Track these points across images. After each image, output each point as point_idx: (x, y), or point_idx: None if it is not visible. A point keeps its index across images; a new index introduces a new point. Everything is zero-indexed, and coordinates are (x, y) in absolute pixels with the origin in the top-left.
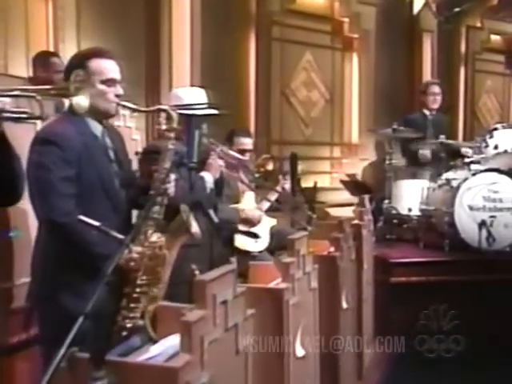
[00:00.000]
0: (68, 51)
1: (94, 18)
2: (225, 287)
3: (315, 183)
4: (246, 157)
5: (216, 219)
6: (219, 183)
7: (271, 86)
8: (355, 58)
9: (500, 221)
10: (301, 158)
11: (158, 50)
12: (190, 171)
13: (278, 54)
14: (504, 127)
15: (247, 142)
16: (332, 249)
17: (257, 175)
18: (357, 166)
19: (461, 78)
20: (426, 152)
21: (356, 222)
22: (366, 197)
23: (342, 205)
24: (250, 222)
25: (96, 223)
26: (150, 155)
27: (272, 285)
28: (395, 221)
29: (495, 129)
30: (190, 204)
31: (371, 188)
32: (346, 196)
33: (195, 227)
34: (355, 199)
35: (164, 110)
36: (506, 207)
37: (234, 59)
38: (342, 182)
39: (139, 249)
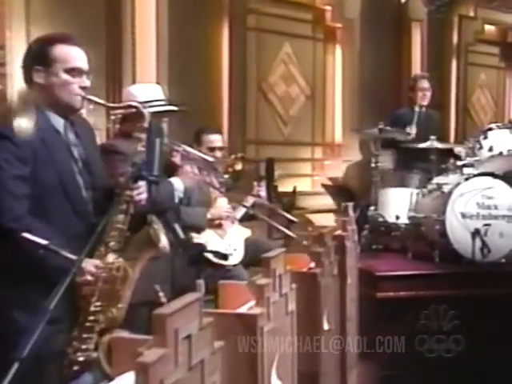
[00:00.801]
0: (16, 41)
1: (45, 3)
2: (189, 320)
3: (294, 188)
4: (218, 154)
5: (182, 235)
6: (189, 190)
7: (246, 81)
8: (338, 49)
9: (495, 229)
10: (279, 159)
11: (119, 39)
12: (150, 185)
13: (254, 45)
14: (499, 127)
15: (216, 139)
16: (312, 264)
17: (225, 176)
18: (340, 168)
19: (452, 71)
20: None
21: (339, 232)
22: (350, 205)
23: (324, 211)
24: (218, 223)
25: (43, 241)
26: (108, 155)
27: (244, 309)
28: (382, 229)
29: (490, 129)
30: (153, 214)
31: (355, 193)
32: (328, 201)
33: (163, 241)
34: (338, 205)
35: (135, 107)
36: (502, 214)
37: (205, 51)
38: (324, 186)
39: (93, 269)
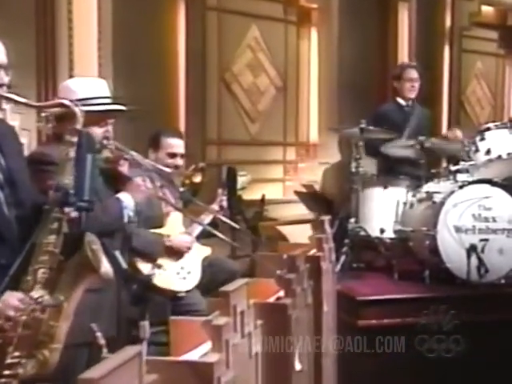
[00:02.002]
0: None
1: None
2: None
3: (263, 196)
4: (179, 161)
5: (124, 264)
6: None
7: (206, 70)
8: (314, 34)
9: (493, 245)
10: (245, 162)
11: (52, 25)
12: (79, 213)
13: (215, 28)
14: (498, 127)
15: (178, 144)
16: (282, 292)
17: (181, 189)
18: (316, 172)
19: (445, 59)
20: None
21: (313, 252)
22: (326, 219)
23: (298, 222)
24: (177, 253)
25: None
26: (37, 165)
27: (199, 353)
28: (364, 245)
29: (487, 129)
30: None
31: (333, 202)
32: (303, 210)
33: (106, 265)
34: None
35: (66, 106)
36: (501, 228)
37: (156, 36)
38: (297, 193)
39: (11, 313)
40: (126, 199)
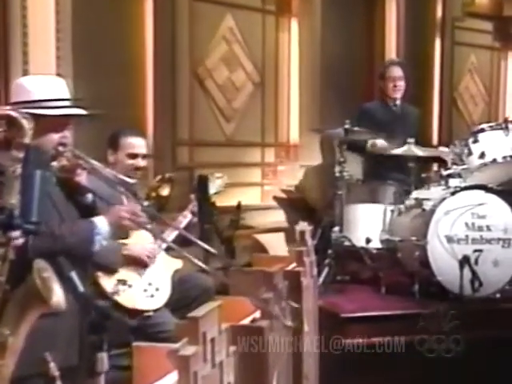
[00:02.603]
0: None
1: None
2: None
3: (239, 203)
4: (140, 163)
5: (81, 288)
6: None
7: (177, 65)
8: (294, 25)
9: (488, 256)
10: (220, 164)
11: (4, 13)
12: (26, 237)
13: (186, 18)
14: (492, 128)
15: (138, 143)
16: (258, 313)
17: (146, 203)
18: (297, 175)
19: (436, 52)
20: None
21: (293, 267)
22: (307, 230)
23: (277, 229)
24: (139, 263)
25: None
26: None
27: None
28: (348, 256)
29: (481, 130)
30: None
31: (316, 208)
32: (283, 217)
33: (58, 294)
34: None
35: (12, 117)
36: (496, 238)
37: (121, 27)
38: (276, 199)
39: None
40: (102, 225)
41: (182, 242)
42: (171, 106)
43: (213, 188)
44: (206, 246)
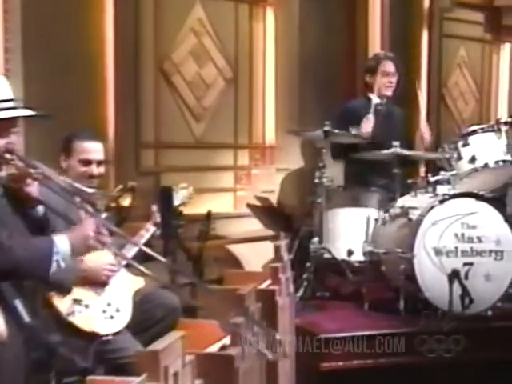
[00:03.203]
0: None
1: None
2: None
3: (208, 212)
4: (95, 170)
5: (27, 318)
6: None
7: (140, 59)
8: (270, 15)
9: (479, 270)
10: (189, 168)
11: None
12: None
13: (151, 7)
14: (483, 130)
15: (94, 148)
16: (227, 339)
17: (104, 215)
18: (273, 180)
19: (423, 45)
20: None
21: (267, 284)
22: (283, 244)
23: (251, 239)
24: (96, 282)
25: None
26: None
27: None
28: (329, 269)
29: (471, 133)
30: None
31: (293, 217)
32: (258, 225)
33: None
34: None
35: None
36: (488, 250)
37: (78, 19)
38: (250, 207)
39: None
40: (62, 244)
41: (145, 257)
42: (134, 105)
43: (177, 199)
44: (169, 263)
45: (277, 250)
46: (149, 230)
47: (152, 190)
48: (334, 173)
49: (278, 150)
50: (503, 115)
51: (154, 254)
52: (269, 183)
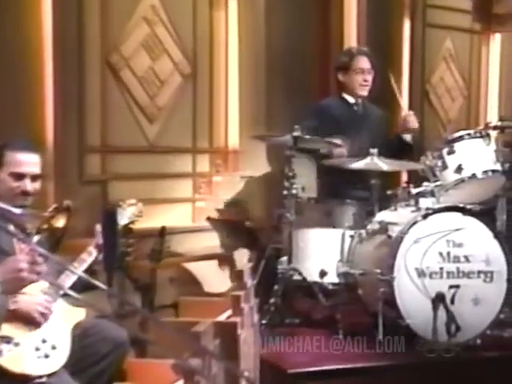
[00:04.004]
0: None
1: None
2: None
3: (162, 229)
4: (29, 186)
5: None
6: None
7: (85, 52)
8: (233, 2)
9: (466, 294)
10: (141, 176)
11: None
12: None
13: None
14: (471, 136)
15: (27, 161)
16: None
17: (36, 238)
18: (237, 189)
19: (404, 37)
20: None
21: (228, 316)
22: (246, 269)
23: (211, 256)
24: (28, 320)
25: None
26: None
27: None
28: (299, 292)
29: (458, 139)
30: None
31: (259, 233)
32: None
33: None
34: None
35: None
36: (477, 270)
37: (11, 4)
38: (210, 221)
39: None
40: None
41: (86, 285)
42: (77, 104)
43: (124, 218)
44: (114, 291)
45: (239, 275)
46: (91, 254)
47: (98, 202)
48: (305, 183)
49: (243, 154)
50: (494, 114)
51: (96, 281)
52: (232, 192)
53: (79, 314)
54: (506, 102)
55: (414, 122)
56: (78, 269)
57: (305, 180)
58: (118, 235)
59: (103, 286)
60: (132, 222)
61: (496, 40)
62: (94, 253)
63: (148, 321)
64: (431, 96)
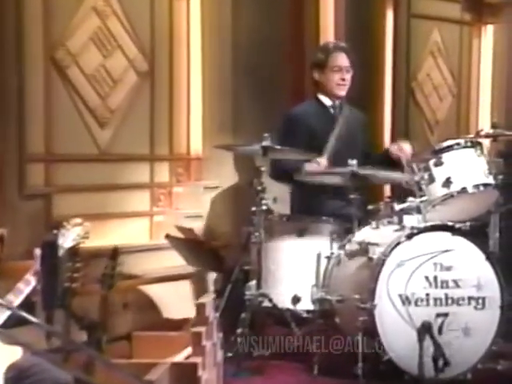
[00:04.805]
0: None
1: None
2: None
3: (115, 250)
4: None
5: None
6: None
7: (25, 46)
8: None
9: (456, 323)
10: (91, 187)
11: None
12: None
13: None
14: (461, 146)
15: None
16: None
17: None
18: (201, 201)
19: (387, 29)
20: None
21: (187, 355)
22: (208, 302)
23: (172, 278)
24: None
25: None
26: None
27: None
28: (269, 321)
29: (446, 149)
30: None
31: (225, 253)
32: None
33: None
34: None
35: None
36: (467, 296)
37: None
38: (170, 239)
39: None
40: None
41: (22, 319)
42: (17, 107)
43: (68, 241)
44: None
45: (200, 308)
46: (29, 283)
47: (41, 218)
48: (277, 193)
49: (207, 162)
50: (486, 114)
51: (33, 318)
52: (195, 205)
53: (13, 354)
54: (499, 100)
55: (408, 154)
56: (14, 301)
57: (277, 189)
58: (60, 268)
59: (41, 324)
60: (78, 244)
61: (488, 32)
62: (33, 281)
63: (94, 361)
64: (417, 95)
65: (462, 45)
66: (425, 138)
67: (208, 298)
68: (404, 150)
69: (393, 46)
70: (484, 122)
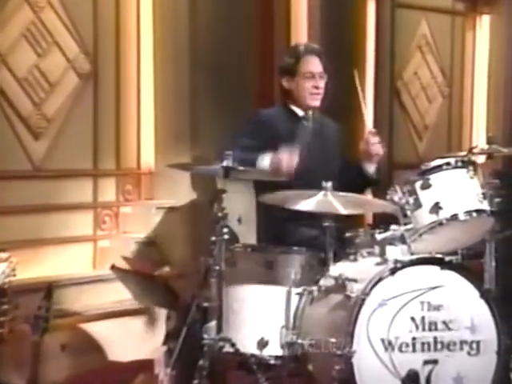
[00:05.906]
0: None
1: None
2: None
3: (49, 288)
4: None
5: None
6: None
7: None
8: None
9: (446, 371)
10: (24, 208)
11: None
12: None
13: None
14: (451, 166)
15: None
16: None
17: None
18: (152, 223)
19: (368, 22)
20: None
21: None
22: (158, 355)
23: (119, 314)
24: None
25: None
26: None
27: None
28: (231, 368)
29: (435, 169)
30: None
31: (180, 288)
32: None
33: None
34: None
35: None
36: (459, 340)
37: None
38: (116, 271)
39: None
40: None
41: None
42: None
43: None
44: None
45: (148, 365)
46: None
47: None
48: (241, 212)
49: (159, 178)
50: (481, 117)
51: None
52: (145, 228)
53: None
54: (495, 102)
55: (378, 148)
56: None
57: (241, 208)
58: None
59: None
60: (3, 284)
61: (484, 23)
62: None
63: None
64: (403, 96)
65: (454, 38)
66: (412, 146)
67: (158, 352)
68: (371, 142)
69: (375, 40)
70: (479, 127)
